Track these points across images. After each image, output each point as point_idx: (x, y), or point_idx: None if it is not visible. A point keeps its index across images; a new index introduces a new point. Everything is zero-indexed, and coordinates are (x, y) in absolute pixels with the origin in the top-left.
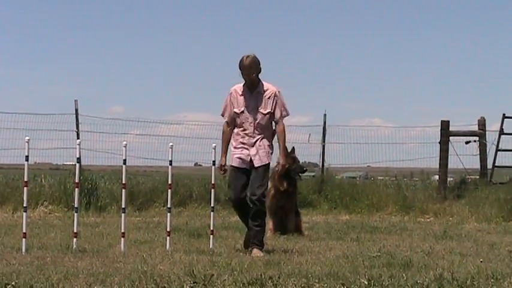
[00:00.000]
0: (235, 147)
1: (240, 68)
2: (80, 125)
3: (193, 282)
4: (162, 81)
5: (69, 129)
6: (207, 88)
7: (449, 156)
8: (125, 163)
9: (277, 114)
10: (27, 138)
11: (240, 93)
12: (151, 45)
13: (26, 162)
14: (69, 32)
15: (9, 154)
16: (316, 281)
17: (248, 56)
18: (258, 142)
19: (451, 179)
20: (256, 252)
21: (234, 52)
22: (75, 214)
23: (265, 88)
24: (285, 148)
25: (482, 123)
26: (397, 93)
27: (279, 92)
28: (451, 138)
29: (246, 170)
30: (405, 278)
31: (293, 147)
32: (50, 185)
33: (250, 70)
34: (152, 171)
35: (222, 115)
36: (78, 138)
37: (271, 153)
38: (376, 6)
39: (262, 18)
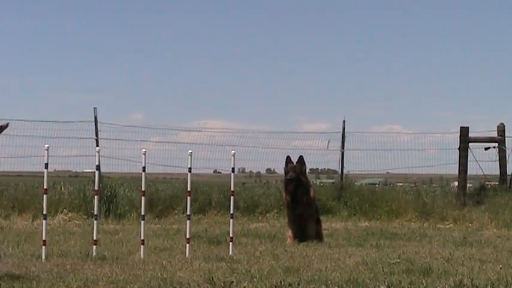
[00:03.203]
0: None
1: None
2: (99, 133)
3: None
4: (181, 89)
5: (88, 137)
6: (226, 95)
7: (468, 163)
8: (144, 170)
9: None
10: (46, 146)
11: None
12: (171, 53)
13: (45, 170)
14: (89, 39)
15: (29, 162)
16: (336, 287)
17: None
18: None
19: (471, 185)
20: None
21: (252, 59)
22: (95, 221)
23: None
24: None
25: (501, 129)
26: (417, 99)
27: None
28: (470, 144)
29: None
30: (425, 285)
31: (300, 156)
32: (69, 193)
33: None
34: (171, 178)
35: None
36: (97, 145)
37: None
38: (395, 11)
39: (279, 23)
